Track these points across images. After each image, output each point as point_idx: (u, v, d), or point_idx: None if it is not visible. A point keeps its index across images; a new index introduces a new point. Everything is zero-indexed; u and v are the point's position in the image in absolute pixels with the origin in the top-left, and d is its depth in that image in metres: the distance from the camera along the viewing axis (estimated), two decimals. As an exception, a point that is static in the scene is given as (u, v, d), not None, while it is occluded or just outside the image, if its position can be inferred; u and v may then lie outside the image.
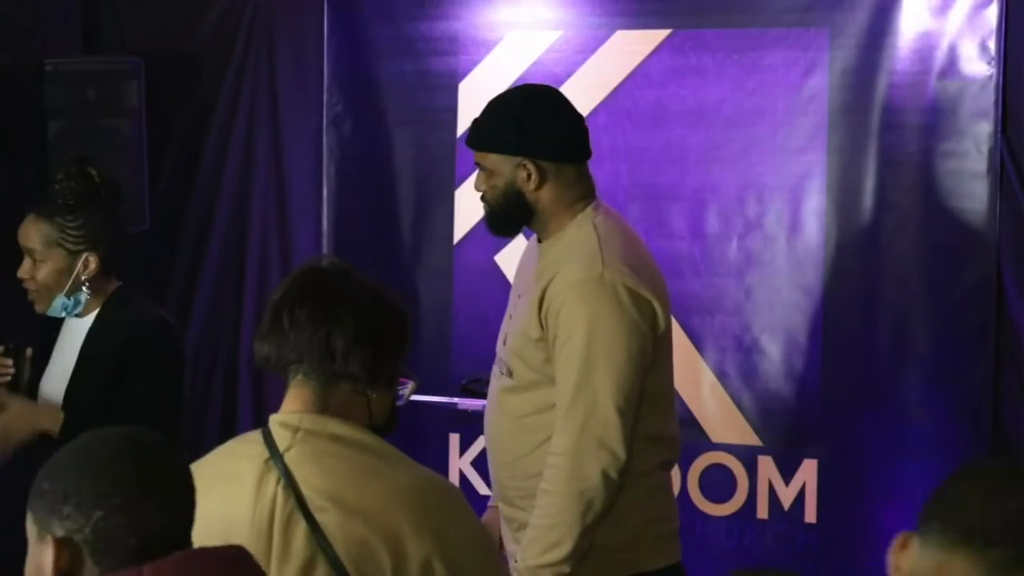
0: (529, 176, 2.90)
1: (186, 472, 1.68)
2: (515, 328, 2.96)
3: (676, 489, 4.32)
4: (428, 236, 4.66)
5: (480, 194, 2.99)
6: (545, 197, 2.92)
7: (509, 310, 3.07)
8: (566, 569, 2.81)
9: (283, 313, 2.07)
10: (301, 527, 1.97)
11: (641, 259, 2.94)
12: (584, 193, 2.97)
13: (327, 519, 1.97)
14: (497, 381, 3.03)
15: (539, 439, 2.90)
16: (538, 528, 2.82)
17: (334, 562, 1.95)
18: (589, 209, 2.94)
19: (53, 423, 3.15)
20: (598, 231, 2.89)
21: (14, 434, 3.17)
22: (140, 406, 3.15)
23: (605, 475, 2.79)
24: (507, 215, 2.97)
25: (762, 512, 4.30)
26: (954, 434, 4.14)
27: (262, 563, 1.96)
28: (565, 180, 2.93)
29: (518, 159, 2.90)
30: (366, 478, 2.00)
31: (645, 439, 2.90)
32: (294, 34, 4.84)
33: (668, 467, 3.04)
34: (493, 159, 2.93)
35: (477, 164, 2.98)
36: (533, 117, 2.93)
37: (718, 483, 4.35)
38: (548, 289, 2.86)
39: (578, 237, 2.90)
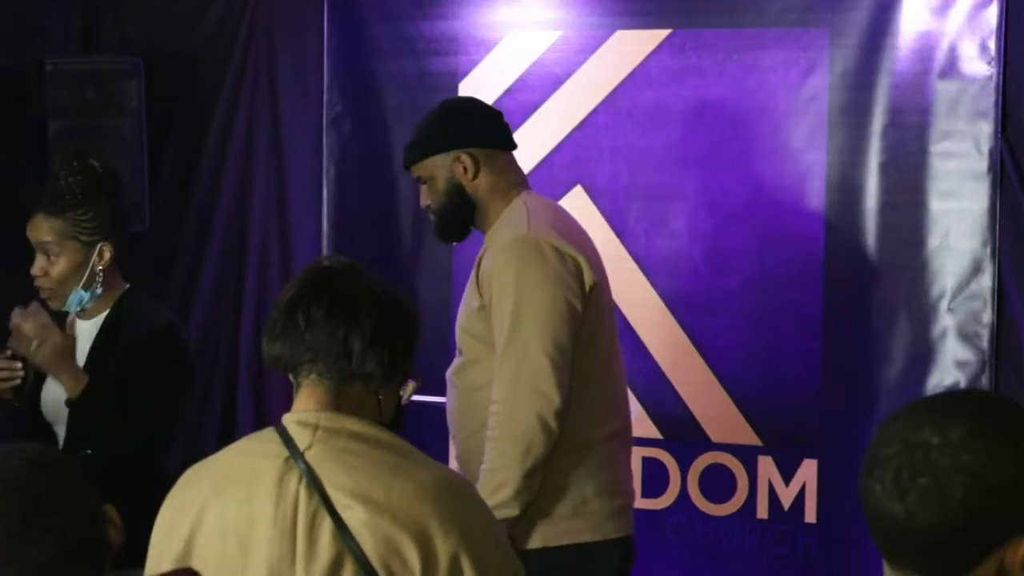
0: (465, 169, 3.11)
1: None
2: (461, 307, 3.13)
3: (676, 489, 4.33)
4: (428, 236, 4.65)
5: (426, 209, 3.19)
6: (483, 186, 3.12)
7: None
8: (513, 511, 2.93)
9: (298, 312, 2.06)
10: (327, 526, 1.97)
11: (570, 228, 3.13)
12: (517, 181, 3.17)
13: (353, 517, 1.96)
14: (451, 367, 3.18)
15: (488, 414, 3.02)
16: (484, 473, 2.96)
17: (361, 560, 1.94)
18: (524, 193, 3.15)
19: (75, 383, 3.15)
20: (527, 205, 3.09)
21: (44, 360, 3.15)
22: (140, 412, 3.15)
23: (540, 418, 2.93)
24: (453, 215, 3.15)
25: (762, 512, 4.30)
26: (954, 434, 4.13)
27: (286, 563, 1.97)
28: (498, 166, 3.14)
29: (452, 154, 3.11)
30: (390, 475, 1.99)
31: (589, 402, 3.03)
32: (294, 34, 4.84)
33: (619, 440, 3.14)
34: (429, 165, 3.14)
35: (417, 179, 3.18)
36: (455, 115, 3.18)
37: (718, 483, 4.35)
38: (483, 259, 3.05)
39: (510, 216, 3.09)
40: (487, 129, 3.17)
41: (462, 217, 3.15)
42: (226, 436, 4.50)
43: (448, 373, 3.20)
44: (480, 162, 3.11)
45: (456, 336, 3.17)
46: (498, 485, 2.93)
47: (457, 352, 3.17)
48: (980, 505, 1.45)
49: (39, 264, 3.22)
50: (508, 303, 2.96)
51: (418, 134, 3.18)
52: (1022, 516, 1.47)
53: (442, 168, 3.12)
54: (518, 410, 2.93)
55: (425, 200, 3.18)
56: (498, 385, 2.97)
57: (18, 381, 3.22)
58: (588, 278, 3.02)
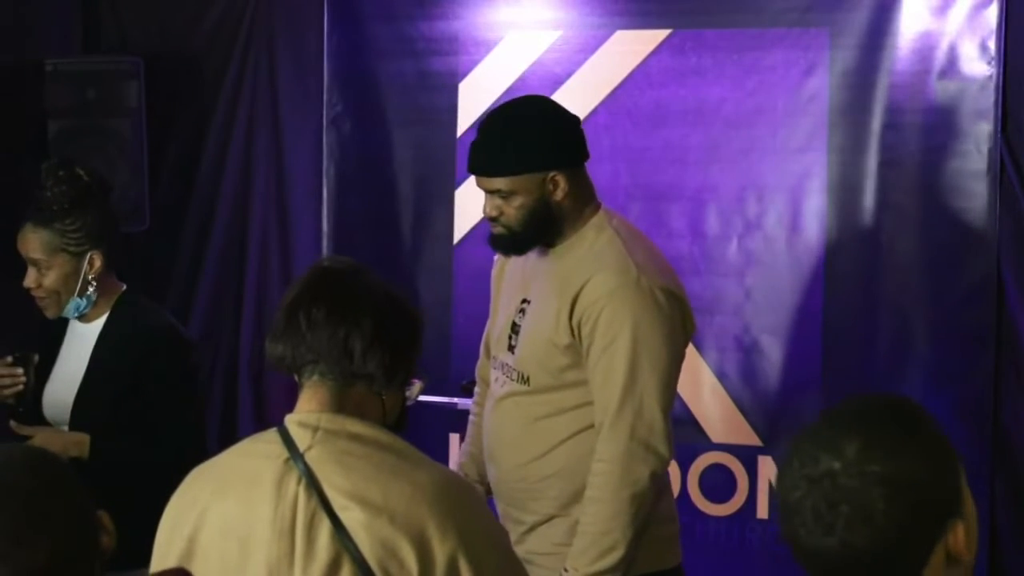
0: (555, 186, 2.88)
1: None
2: (534, 335, 2.94)
3: (676, 489, 4.33)
4: (428, 236, 4.66)
5: (492, 221, 2.93)
6: (568, 204, 2.91)
7: (510, 316, 3.04)
8: (620, 572, 2.84)
9: (299, 313, 2.07)
10: (325, 527, 1.97)
11: (664, 261, 3.00)
12: (592, 195, 2.98)
13: (351, 518, 1.97)
14: (502, 387, 3.03)
15: (554, 441, 2.94)
16: (589, 536, 2.84)
17: (359, 562, 1.95)
18: (602, 212, 2.96)
19: (80, 449, 3.12)
20: (620, 235, 2.91)
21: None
22: (159, 420, 3.15)
23: (653, 476, 2.84)
24: (534, 233, 2.92)
25: (762, 512, 4.30)
26: (954, 434, 4.08)
27: (284, 564, 1.97)
28: (582, 181, 2.95)
29: (544, 174, 2.87)
30: (389, 477, 1.99)
31: None
32: (294, 34, 4.84)
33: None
34: (512, 181, 2.87)
35: (492, 191, 2.90)
36: (546, 130, 2.91)
37: (718, 483, 4.35)
38: (580, 296, 2.86)
39: (600, 243, 2.91)
40: (577, 143, 2.94)
41: (541, 235, 2.92)
42: (226, 436, 4.50)
43: (497, 396, 3.03)
44: (571, 181, 2.88)
45: (509, 359, 3.00)
46: (609, 548, 2.82)
47: (514, 376, 2.99)
48: (905, 508, 1.44)
49: (31, 276, 3.22)
50: (623, 354, 2.82)
51: (496, 143, 2.89)
52: (947, 502, 1.47)
53: (531, 185, 2.86)
54: (633, 471, 2.82)
55: (493, 212, 2.90)
56: (610, 443, 2.84)
57: (20, 387, 3.23)
58: (691, 322, 2.95)
